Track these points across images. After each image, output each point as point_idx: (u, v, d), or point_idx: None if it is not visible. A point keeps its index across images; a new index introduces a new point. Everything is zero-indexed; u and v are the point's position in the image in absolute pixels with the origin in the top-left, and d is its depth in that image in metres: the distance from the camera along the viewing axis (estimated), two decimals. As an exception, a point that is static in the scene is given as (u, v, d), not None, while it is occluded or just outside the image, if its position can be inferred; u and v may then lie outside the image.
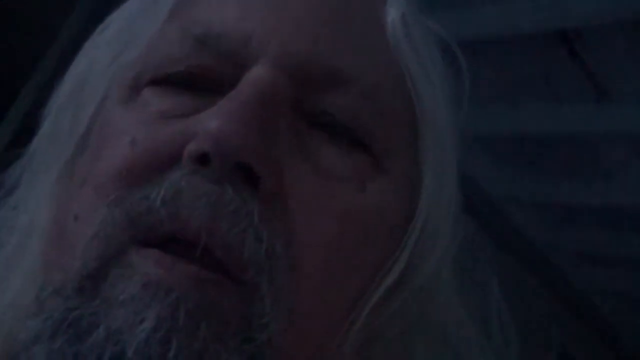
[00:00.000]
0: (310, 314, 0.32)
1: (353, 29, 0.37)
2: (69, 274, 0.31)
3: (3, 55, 1.44)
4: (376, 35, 0.38)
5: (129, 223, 0.31)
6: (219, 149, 0.31)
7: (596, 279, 2.62)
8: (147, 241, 0.31)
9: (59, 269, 0.32)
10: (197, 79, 0.35)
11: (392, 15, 0.39)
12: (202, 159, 0.31)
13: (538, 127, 1.85)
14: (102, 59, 0.39)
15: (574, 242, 2.44)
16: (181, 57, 0.35)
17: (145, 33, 0.37)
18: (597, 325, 2.86)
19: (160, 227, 0.31)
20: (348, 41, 0.36)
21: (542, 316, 2.42)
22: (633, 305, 2.69)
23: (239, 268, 0.30)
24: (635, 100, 1.67)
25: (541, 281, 2.54)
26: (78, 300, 0.30)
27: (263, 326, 0.30)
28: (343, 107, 0.35)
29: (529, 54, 1.63)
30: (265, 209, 0.31)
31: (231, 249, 0.30)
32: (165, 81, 0.35)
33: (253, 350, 0.30)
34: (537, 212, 2.32)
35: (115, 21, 0.41)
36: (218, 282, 0.30)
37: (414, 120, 0.38)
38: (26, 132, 0.42)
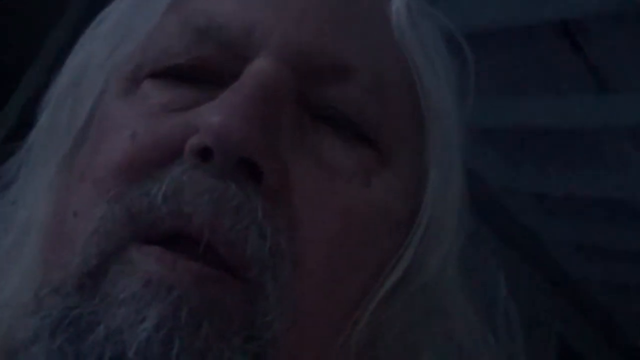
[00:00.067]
0: (313, 312, 0.32)
1: (357, 20, 0.36)
2: (68, 271, 0.31)
3: (0, 48, 1.43)
4: (381, 27, 0.37)
5: (129, 220, 0.30)
6: (221, 144, 0.30)
7: (596, 270, 2.62)
8: (148, 238, 0.30)
9: (58, 266, 0.32)
10: (197, 70, 0.34)
11: (397, 4, 0.38)
12: (204, 154, 0.30)
13: (539, 120, 1.85)
14: (100, 52, 0.38)
15: (575, 234, 2.44)
16: (181, 49, 0.34)
17: (143, 25, 0.37)
18: (598, 317, 2.86)
19: (162, 224, 0.30)
20: (352, 33, 0.36)
21: (546, 311, 2.42)
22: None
23: (243, 265, 0.30)
24: (638, 92, 1.67)
25: (544, 275, 2.54)
26: (77, 298, 0.30)
27: (267, 324, 0.30)
28: (348, 101, 0.34)
29: (530, 46, 1.63)
30: (268, 205, 0.31)
31: (234, 246, 0.30)
32: (164, 73, 0.35)
33: (256, 349, 0.29)
34: (538, 203, 2.32)
35: (112, 14, 0.40)
36: (221, 280, 0.29)
37: (419, 113, 0.37)
38: (23, 125, 0.41)
